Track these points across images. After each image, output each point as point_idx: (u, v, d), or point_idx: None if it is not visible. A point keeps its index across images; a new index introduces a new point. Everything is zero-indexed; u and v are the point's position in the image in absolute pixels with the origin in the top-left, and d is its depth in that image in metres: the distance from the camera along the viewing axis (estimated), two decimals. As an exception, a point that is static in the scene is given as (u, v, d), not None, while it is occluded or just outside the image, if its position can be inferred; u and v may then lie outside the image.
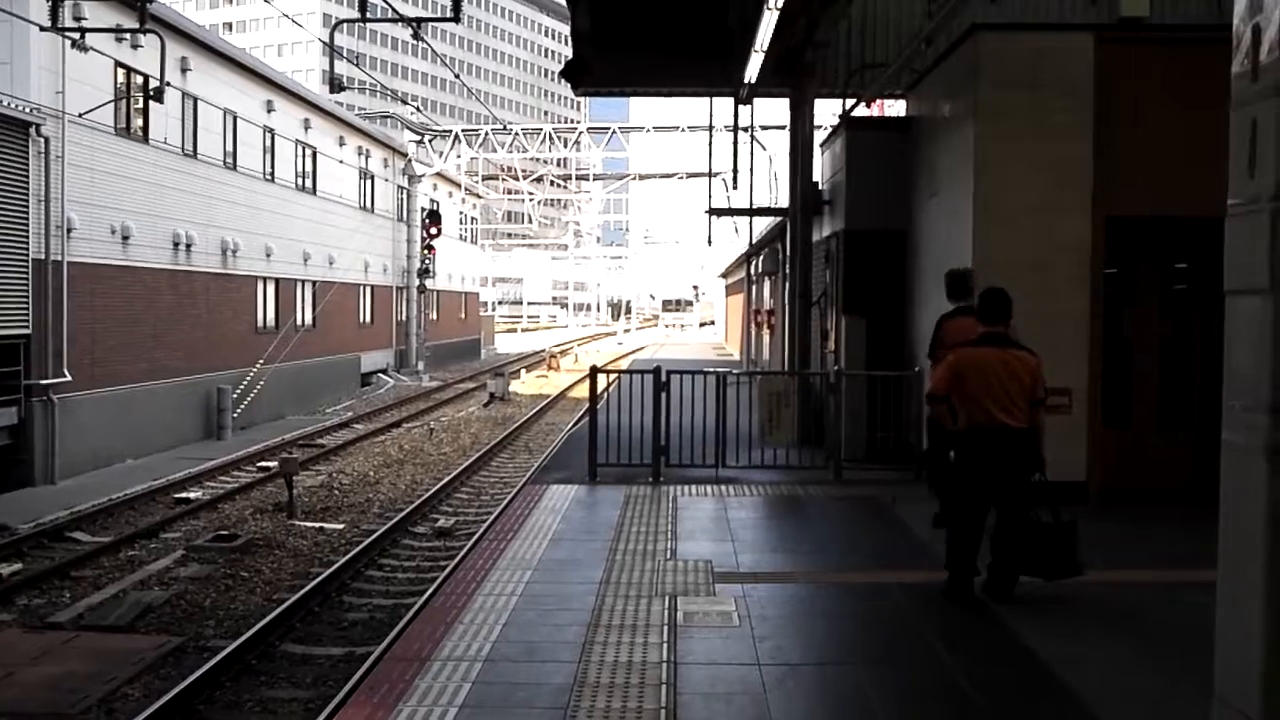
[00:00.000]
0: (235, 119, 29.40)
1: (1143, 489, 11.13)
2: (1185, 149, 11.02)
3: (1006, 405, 7.60)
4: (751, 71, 14.97)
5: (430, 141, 46.01)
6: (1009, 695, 6.20)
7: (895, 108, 19.95)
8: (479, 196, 57.17)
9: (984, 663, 6.71)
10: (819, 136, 16.96)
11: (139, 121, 24.65)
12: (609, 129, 46.54)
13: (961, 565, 7.86)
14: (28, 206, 20.29)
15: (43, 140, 20.61)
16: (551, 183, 56.61)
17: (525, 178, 52.09)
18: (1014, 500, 7.78)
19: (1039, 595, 7.91)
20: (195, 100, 26.95)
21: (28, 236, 20.30)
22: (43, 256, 20.68)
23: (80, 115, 21.46)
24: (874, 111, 19.66)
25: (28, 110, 20.11)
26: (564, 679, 6.25)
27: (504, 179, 53.96)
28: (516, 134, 44.99)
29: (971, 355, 7.80)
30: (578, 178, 55.17)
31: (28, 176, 20.29)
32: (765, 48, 13.62)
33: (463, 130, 46.12)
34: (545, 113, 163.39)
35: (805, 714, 5.98)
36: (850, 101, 16.15)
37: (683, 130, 43.43)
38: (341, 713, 5.97)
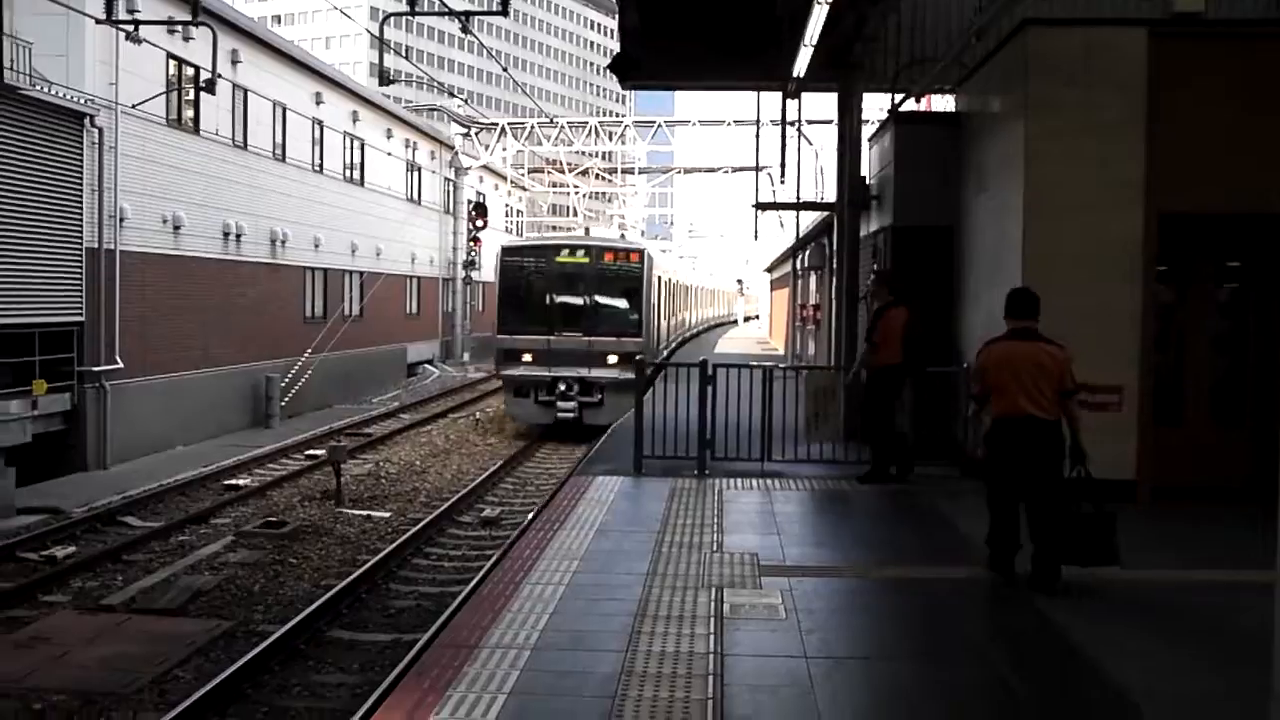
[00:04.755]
0: (285, 111, 29.65)
1: (1195, 487, 11.00)
2: (1241, 146, 10.91)
3: (1035, 397, 7.86)
4: (800, 66, 14.90)
5: (477, 134, 46.17)
6: (1055, 692, 6.17)
7: (943, 102, 19.81)
8: (524, 189, 57.31)
9: (1031, 660, 6.70)
10: (866, 131, 16.88)
11: (190, 113, 24.94)
12: (654, 123, 46.52)
13: (999, 546, 8.19)
14: (81, 196, 20.59)
15: (96, 131, 20.91)
16: (597, 176, 56.56)
17: (570, 171, 52.16)
18: (1044, 489, 7.91)
19: (1088, 592, 7.89)
20: (245, 92, 27.21)
21: (81, 225, 20.60)
22: (96, 245, 20.98)
23: (133, 106, 21.73)
24: (922, 106, 19.54)
25: (82, 101, 20.41)
26: (611, 668, 6.28)
27: (549, 172, 54.01)
28: (562, 127, 45.04)
29: (1000, 350, 8.15)
30: (623, 171, 55.17)
31: (82, 166, 20.59)
32: (814, 42, 13.55)
33: (509, 123, 46.26)
34: (590, 106, 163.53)
35: (852, 708, 5.98)
36: (899, 96, 16.06)
37: (728, 124, 43.32)
38: (391, 697, 6.03)
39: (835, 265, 17.10)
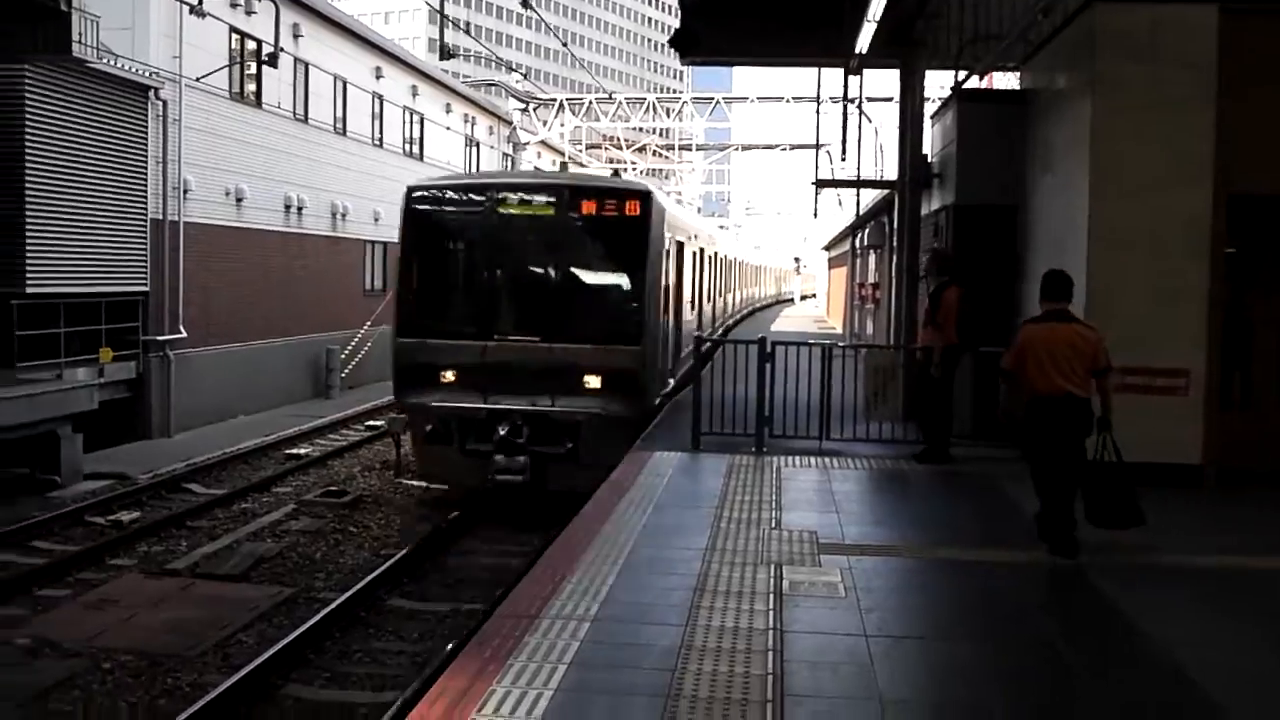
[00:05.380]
0: (345, 85, 29.85)
1: (1262, 472, 10.81)
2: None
3: (1069, 375, 8.28)
4: (863, 42, 14.77)
5: (535, 110, 46.17)
6: (1118, 675, 6.12)
7: (1004, 80, 19.58)
8: (582, 165, 57.31)
9: (1089, 641, 6.64)
10: (928, 109, 16.73)
11: (252, 86, 25.19)
12: (713, 99, 46.28)
13: (1052, 521, 8.42)
14: (146, 168, 20.87)
15: (161, 103, 21.18)
16: (654, 152, 56.39)
17: (628, 147, 52.00)
18: (1077, 460, 8.34)
19: (1148, 574, 7.90)
20: (306, 66, 27.42)
21: (146, 197, 20.89)
22: (160, 217, 21.28)
23: (197, 80, 21.96)
24: (984, 84, 19.32)
25: (147, 74, 20.67)
26: (671, 642, 6.31)
27: (607, 148, 53.82)
28: (620, 103, 44.93)
29: (1037, 331, 8.54)
30: (680, 148, 54.90)
31: (147, 139, 20.86)
32: (877, 18, 13.43)
33: (567, 99, 46.22)
34: (648, 83, 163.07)
35: (912, 687, 5.99)
36: (962, 73, 15.89)
37: (787, 101, 42.99)
38: (453, 665, 6.08)
39: (896, 244, 17.00)
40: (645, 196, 14.78)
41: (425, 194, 15.35)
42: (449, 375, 14.13)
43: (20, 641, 9.71)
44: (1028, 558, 8.32)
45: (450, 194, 15.62)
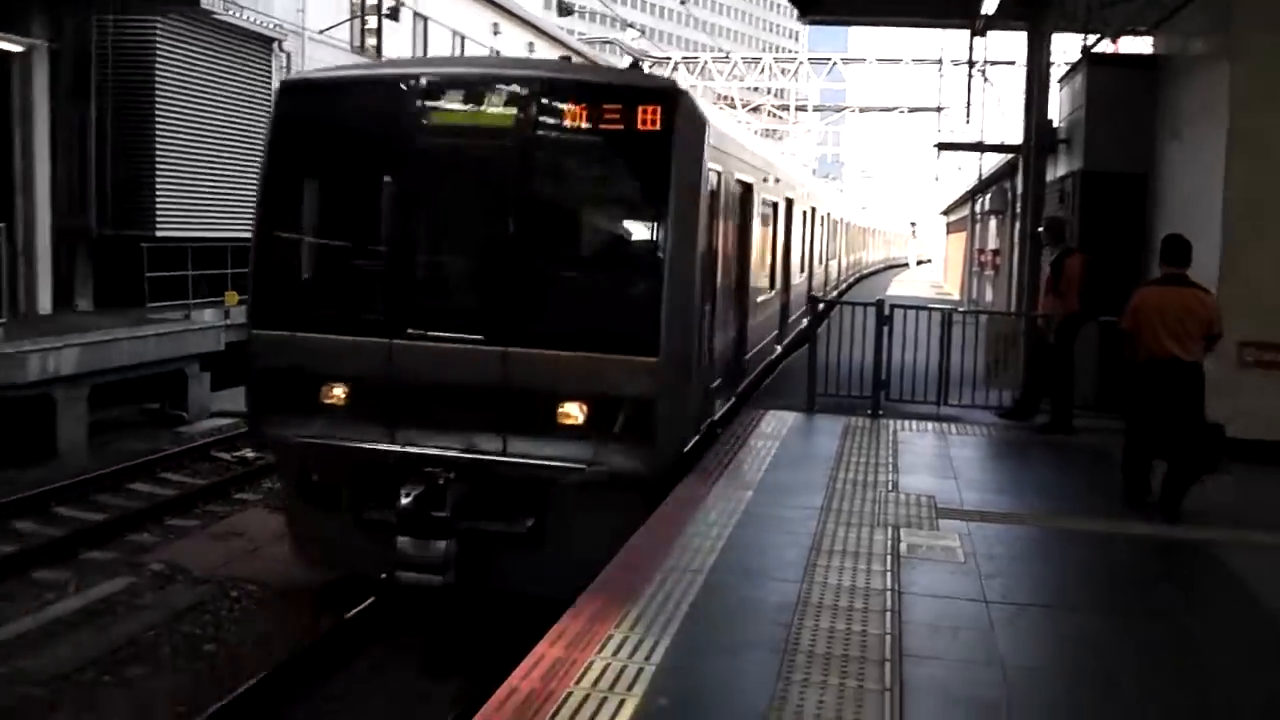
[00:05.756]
0: (463, 39, 30.08)
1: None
2: None
3: (1181, 338, 8.31)
4: (990, 2, 14.48)
5: (650, 68, 46.04)
6: (1246, 650, 6.01)
7: (1132, 44, 18.99)
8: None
9: (1220, 617, 6.55)
10: (1055, 73, 16.31)
11: (373, 40, 25.54)
12: (830, 60, 45.69)
13: (1135, 476, 8.76)
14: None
15: (285, 55, 21.60)
16: (769, 113, 55.85)
17: (743, 107, 51.64)
18: (1188, 424, 8.31)
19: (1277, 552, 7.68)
20: (425, 20, 27.70)
21: (271, 146, 21.30)
22: (285, 166, 21.69)
23: (320, 33, 22.32)
24: (1111, 48, 18.77)
25: (272, 26, 21.06)
26: (786, 598, 6.32)
27: (721, 108, 53.52)
28: (736, 63, 44.60)
29: (1151, 294, 8.58)
30: (796, 108, 54.30)
31: (271, 90, 21.23)
32: (1008, -22, 13.17)
33: (683, 58, 46.03)
34: (763, 42, 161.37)
35: (1035, 655, 5.92)
36: (1091, 37, 15.46)
37: (906, 63, 42.27)
38: (570, 611, 6.12)
39: (1019, 210, 16.65)
40: (670, 99, 8.58)
41: (308, 91, 9.48)
42: (336, 393, 8.72)
43: (155, 567, 10.16)
44: (1149, 530, 8.18)
45: (349, 92, 9.50)
